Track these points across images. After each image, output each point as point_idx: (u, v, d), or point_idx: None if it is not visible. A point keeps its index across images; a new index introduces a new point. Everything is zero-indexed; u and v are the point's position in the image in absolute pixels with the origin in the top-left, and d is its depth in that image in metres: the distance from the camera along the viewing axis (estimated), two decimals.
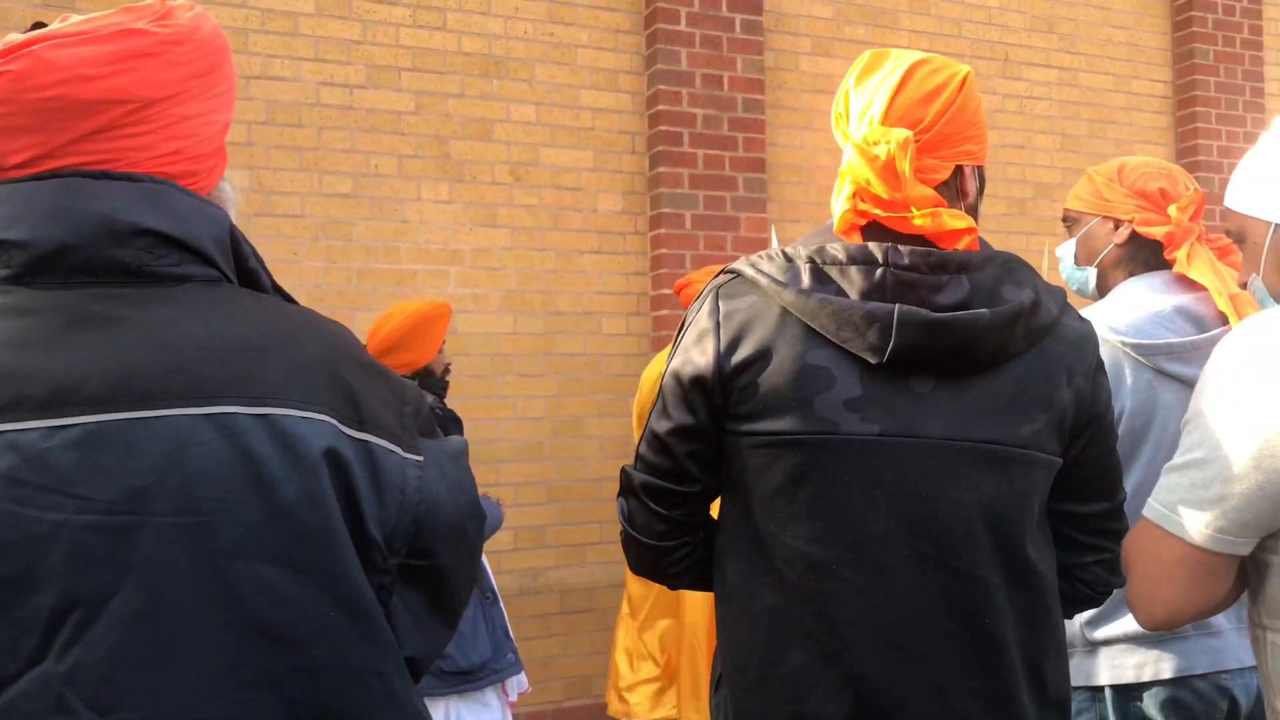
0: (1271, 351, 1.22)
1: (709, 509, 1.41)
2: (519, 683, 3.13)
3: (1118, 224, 1.98)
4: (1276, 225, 1.36)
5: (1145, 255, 1.96)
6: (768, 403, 1.25)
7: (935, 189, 1.31)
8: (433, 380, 3.12)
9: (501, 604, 3.09)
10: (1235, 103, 5.59)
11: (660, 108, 4.41)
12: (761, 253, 1.34)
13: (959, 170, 1.35)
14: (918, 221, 1.25)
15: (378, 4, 4.09)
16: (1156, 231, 1.93)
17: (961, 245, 1.25)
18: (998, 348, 1.23)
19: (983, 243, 1.32)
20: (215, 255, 0.93)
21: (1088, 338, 1.32)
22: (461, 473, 1.01)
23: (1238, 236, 1.45)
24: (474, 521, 1.01)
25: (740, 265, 1.34)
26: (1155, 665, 1.78)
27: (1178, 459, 1.32)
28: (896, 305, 1.21)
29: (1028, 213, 5.21)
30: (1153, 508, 1.32)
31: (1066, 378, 1.27)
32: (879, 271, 1.23)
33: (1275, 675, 1.28)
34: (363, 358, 0.97)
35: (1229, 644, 1.81)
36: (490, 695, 3.00)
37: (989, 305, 1.23)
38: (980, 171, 1.40)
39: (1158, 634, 1.76)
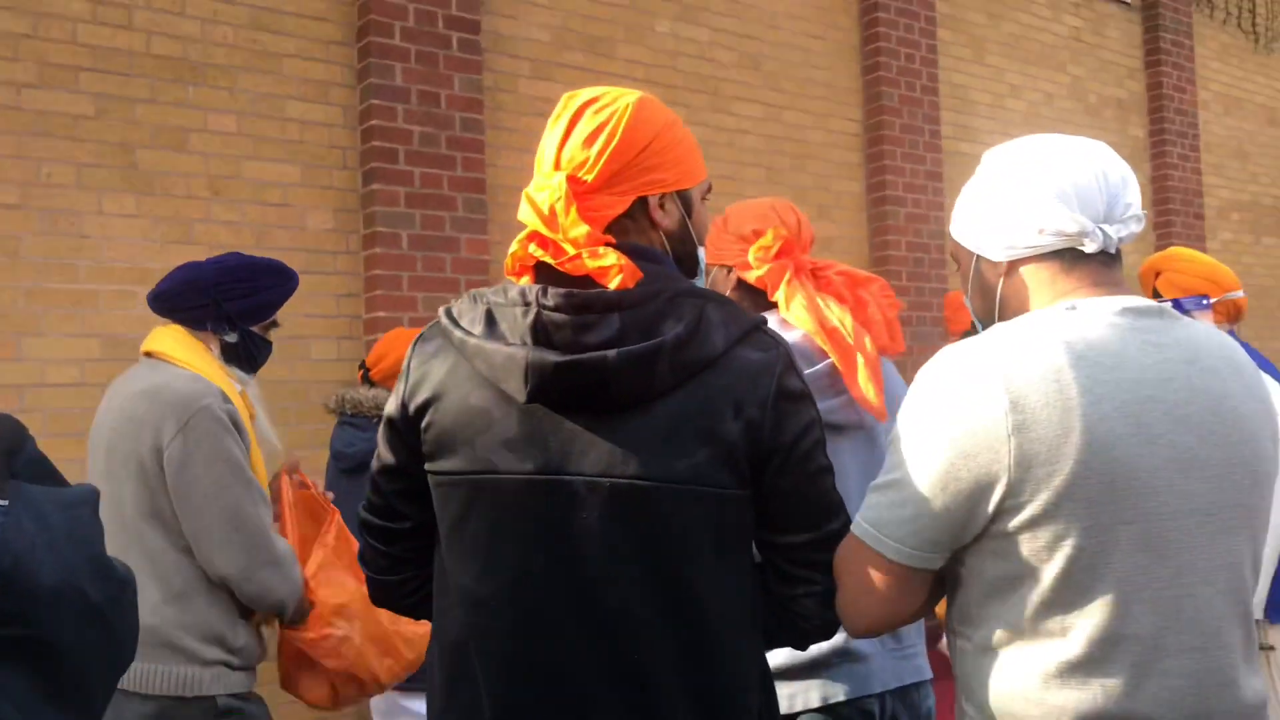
0: (957, 378, 1.28)
1: (431, 544, 1.44)
2: None
3: (729, 270, 2.04)
4: (977, 255, 1.43)
5: (753, 299, 1.99)
6: (442, 443, 1.33)
7: (618, 221, 1.34)
8: None
9: None
10: (917, 143, 6.12)
11: (374, 123, 4.25)
12: (469, 292, 1.40)
13: (643, 202, 1.37)
14: (569, 265, 1.28)
15: None
16: (750, 276, 1.97)
17: (612, 283, 1.26)
18: (638, 385, 1.26)
19: (669, 276, 1.34)
20: None
21: (765, 368, 1.31)
22: (75, 524, 0.86)
23: (955, 260, 1.53)
24: (96, 582, 0.86)
25: (442, 309, 1.40)
26: (805, 695, 1.88)
27: (879, 479, 1.36)
28: (529, 349, 1.26)
29: None
30: (858, 524, 1.36)
31: (734, 410, 1.28)
32: (532, 314, 1.28)
33: (964, 678, 1.36)
34: None
35: (874, 668, 1.91)
36: None
37: (642, 341, 1.26)
38: (684, 195, 1.40)
39: (808, 664, 1.86)
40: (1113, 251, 1.35)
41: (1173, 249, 3.33)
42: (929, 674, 2.03)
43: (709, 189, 1.47)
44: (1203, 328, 1.34)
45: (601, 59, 5.02)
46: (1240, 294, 3.11)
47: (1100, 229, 1.32)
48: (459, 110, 4.47)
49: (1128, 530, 1.21)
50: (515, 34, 4.79)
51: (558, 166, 1.35)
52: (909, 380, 1.47)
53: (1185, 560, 1.23)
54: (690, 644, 1.29)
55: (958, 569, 1.35)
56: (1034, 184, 1.35)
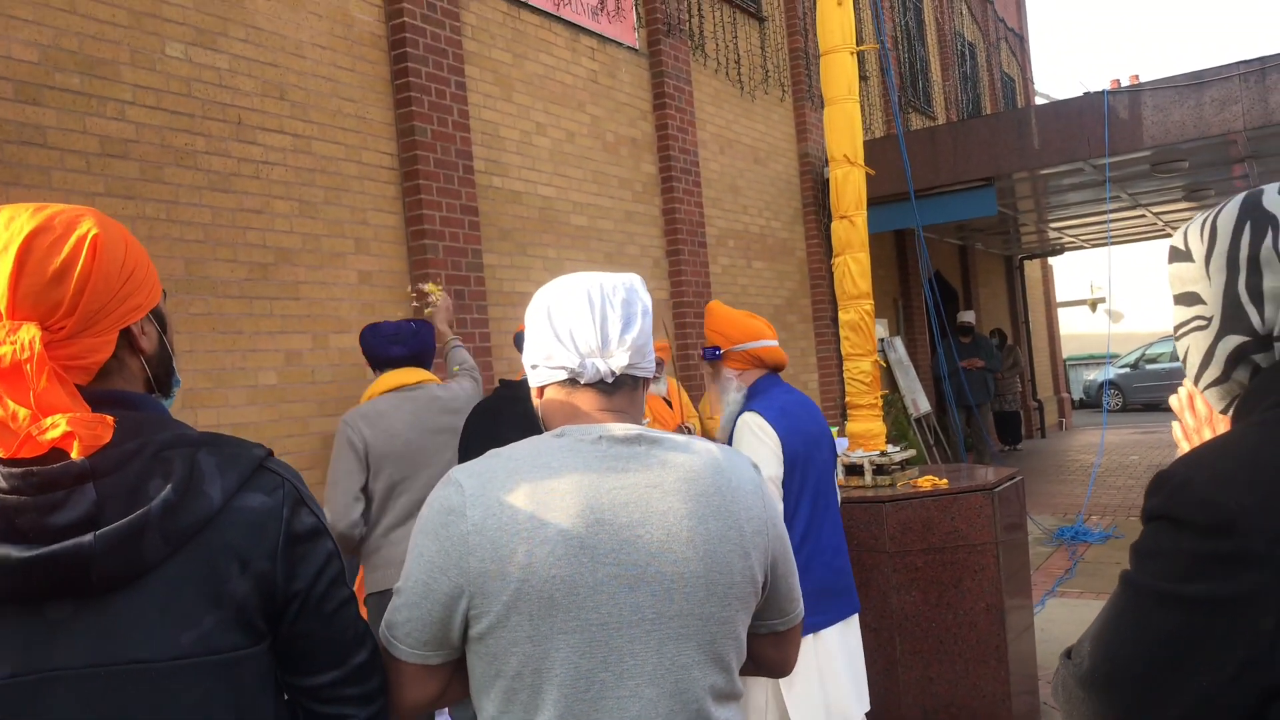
0: (441, 499, 1.44)
1: None
2: None
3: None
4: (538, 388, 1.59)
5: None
6: None
7: (106, 366, 1.22)
8: None
9: None
10: (452, 177, 6.24)
11: None
12: None
13: (126, 333, 1.26)
14: (24, 449, 1.11)
15: None
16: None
17: (74, 452, 1.12)
18: (125, 564, 1.14)
19: (152, 423, 1.21)
20: None
21: (271, 515, 1.25)
22: None
23: None
24: None
25: None
26: None
27: (397, 584, 1.48)
28: None
29: (270, 277, 5.22)
30: (381, 625, 1.47)
31: (240, 567, 1.21)
32: None
33: None
34: None
35: None
36: None
37: (125, 511, 1.14)
38: (157, 311, 1.32)
39: None
40: (610, 381, 1.52)
41: (708, 304, 3.70)
42: None
43: (165, 294, 1.39)
44: (688, 456, 1.49)
45: (105, 83, 4.56)
46: (756, 344, 3.47)
47: (593, 363, 1.49)
48: None
49: (568, 639, 1.37)
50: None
51: (12, 315, 1.14)
52: None
53: (630, 665, 1.39)
54: None
55: (468, 662, 1.48)
56: (544, 325, 1.53)
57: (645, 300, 1.57)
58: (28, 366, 1.10)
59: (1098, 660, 1.07)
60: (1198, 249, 1.20)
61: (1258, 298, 1.12)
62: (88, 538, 1.11)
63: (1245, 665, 0.96)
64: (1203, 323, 1.20)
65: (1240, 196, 1.19)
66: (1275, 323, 1.11)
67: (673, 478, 1.46)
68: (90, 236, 1.20)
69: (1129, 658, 1.04)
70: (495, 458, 1.47)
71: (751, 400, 3.40)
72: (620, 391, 1.54)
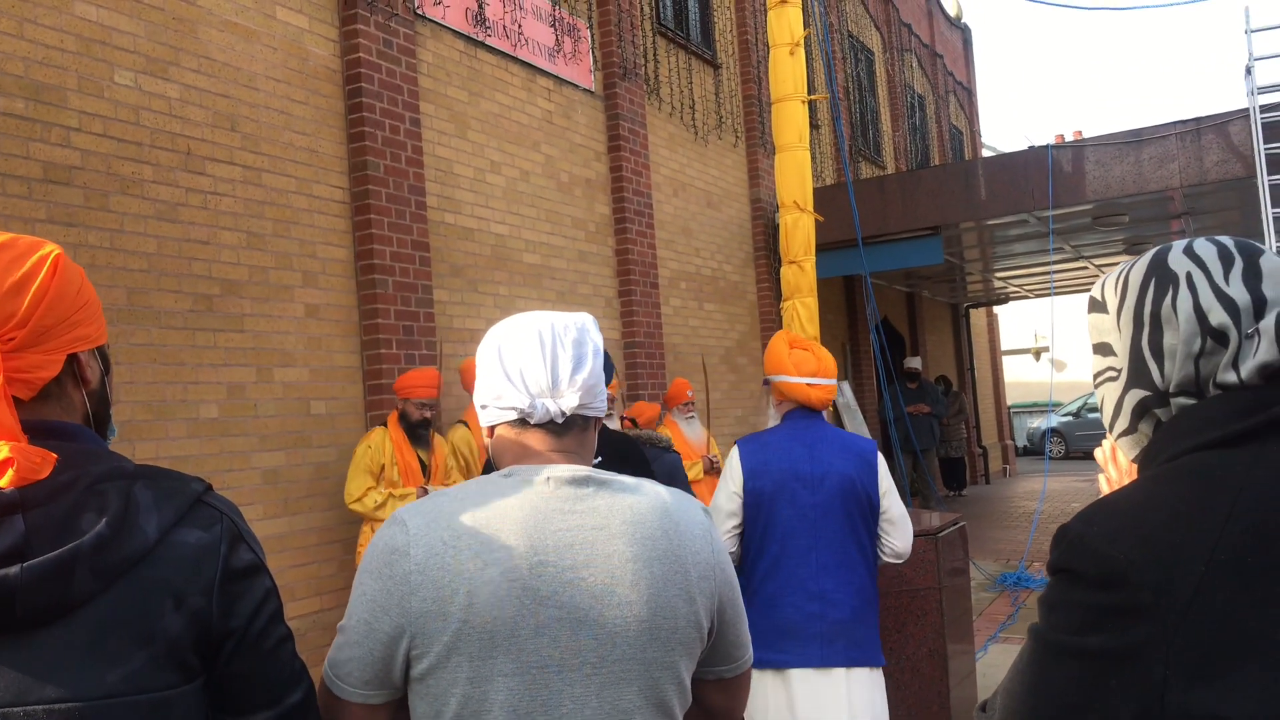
0: (385, 540, 1.44)
1: None
2: None
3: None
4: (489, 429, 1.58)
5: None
6: None
7: (49, 386, 1.20)
8: None
9: None
10: (404, 213, 6.22)
11: None
12: None
13: (74, 359, 1.25)
14: None
15: None
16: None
17: (3, 480, 1.09)
18: (52, 600, 1.11)
19: (88, 456, 1.19)
20: None
21: (208, 551, 1.22)
22: None
23: None
24: None
25: None
26: None
27: (341, 623, 1.47)
28: None
29: (216, 309, 5.14)
30: (325, 665, 1.47)
31: (174, 603, 1.18)
32: None
33: None
34: None
35: None
36: None
37: (55, 545, 1.10)
38: (102, 352, 1.31)
39: None
40: (560, 421, 1.52)
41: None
42: None
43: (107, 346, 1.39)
44: (636, 499, 1.49)
45: (50, 108, 4.49)
46: (777, 378, 3.47)
47: (543, 403, 1.49)
48: None
49: (507, 681, 1.37)
50: None
51: None
52: None
53: (570, 709, 1.39)
54: None
55: (410, 702, 1.46)
56: (494, 365, 1.54)
57: (596, 340, 1.58)
58: None
59: (1006, 713, 1.10)
60: (1111, 301, 1.23)
61: (1159, 354, 1.15)
62: (14, 569, 1.07)
63: (1139, 716, 0.98)
64: (1114, 374, 1.22)
65: (1151, 253, 1.22)
66: (1173, 378, 1.14)
67: (619, 520, 1.46)
68: (53, 257, 1.20)
69: (1033, 710, 1.07)
70: (442, 497, 1.46)
71: (764, 432, 3.50)
72: (571, 432, 1.54)
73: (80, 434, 1.24)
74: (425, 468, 5.49)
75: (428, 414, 5.46)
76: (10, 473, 1.09)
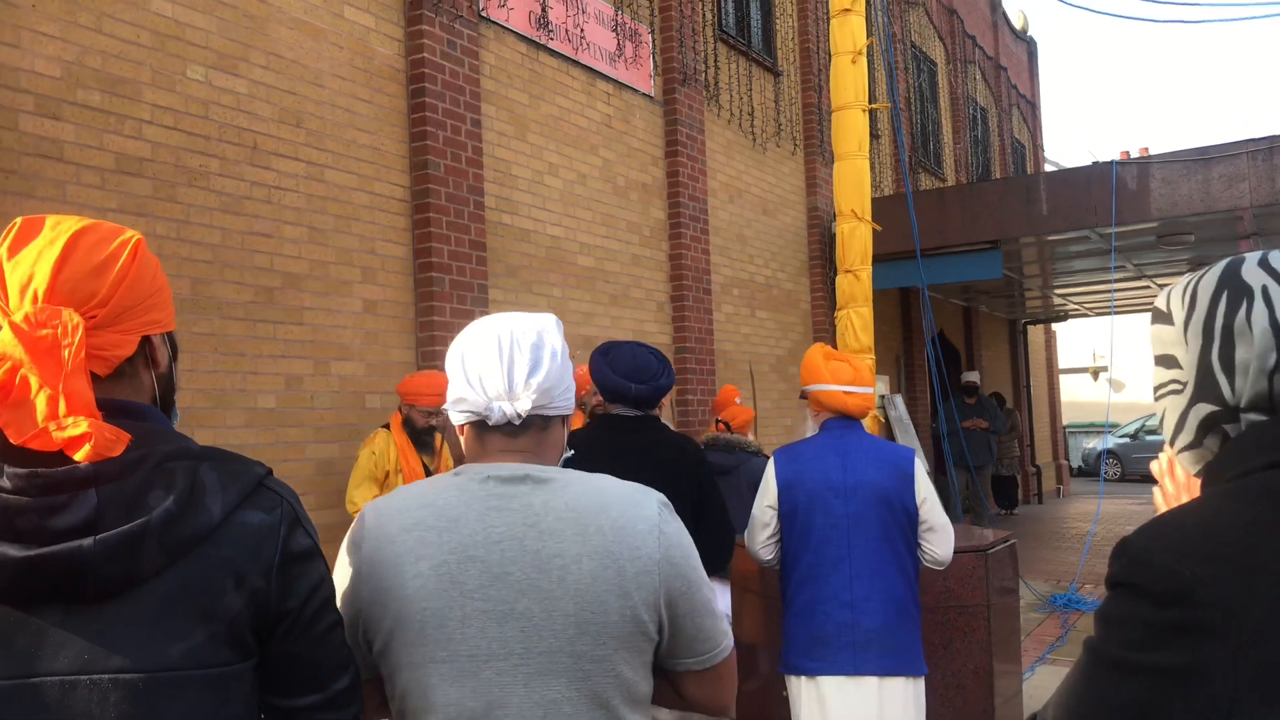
0: (356, 531, 1.55)
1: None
2: None
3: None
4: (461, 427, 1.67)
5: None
6: None
7: (122, 366, 1.25)
8: None
9: None
10: (462, 212, 6.29)
11: None
12: None
13: (147, 341, 1.29)
14: (35, 442, 1.12)
15: None
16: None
17: (79, 455, 1.13)
18: (121, 572, 1.15)
19: (157, 435, 1.22)
20: None
21: (268, 532, 1.26)
22: None
23: None
24: None
25: None
26: None
27: None
28: None
29: (276, 301, 5.24)
30: None
31: (235, 582, 1.21)
32: None
33: None
34: None
35: None
36: None
37: (125, 520, 1.14)
38: (171, 338, 1.36)
39: None
40: (516, 423, 1.58)
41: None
42: None
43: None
44: (574, 496, 1.55)
45: (125, 101, 4.61)
46: (811, 387, 3.48)
47: (499, 406, 1.56)
48: None
49: (439, 668, 1.47)
50: (18, 65, 4.26)
51: (51, 299, 1.18)
52: None
53: (498, 696, 1.46)
54: None
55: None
56: (457, 370, 1.62)
57: (555, 344, 1.62)
58: (66, 350, 1.12)
59: None
60: (1178, 313, 1.20)
61: (1229, 368, 1.12)
62: (86, 541, 1.11)
63: None
64: (1178, 387, 1.19)
65: (1222, 264, 1.18)
66: (1244, 394, 1.11)
67: (552, 518, 1.51)
68: (134, 241, 1.26)
69: None
70: (397, 494, 1.58)
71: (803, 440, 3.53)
72: (528, 432, 1.60)
73: (150, 414, 1.28)
74: (429, 472, 5.46)
75: (434, 421, 5.29)
76: (87, 447, 1.12)
